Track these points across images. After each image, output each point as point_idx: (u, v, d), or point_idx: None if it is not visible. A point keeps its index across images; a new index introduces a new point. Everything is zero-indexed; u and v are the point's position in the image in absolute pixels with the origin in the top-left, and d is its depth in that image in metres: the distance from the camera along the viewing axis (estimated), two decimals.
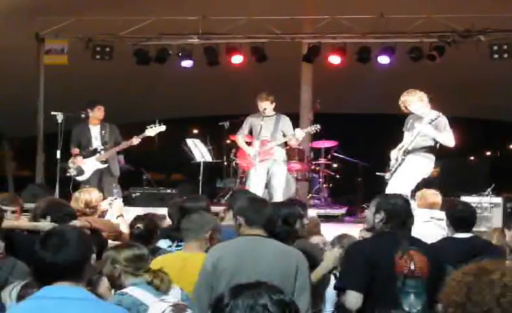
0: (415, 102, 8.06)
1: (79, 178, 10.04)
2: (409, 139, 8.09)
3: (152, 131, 9.98)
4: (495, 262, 2.41)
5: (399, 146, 8.24)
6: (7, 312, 3.45)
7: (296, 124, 9.98)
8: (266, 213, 4.36)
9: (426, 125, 7.90)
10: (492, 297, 2.25)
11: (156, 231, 5.85)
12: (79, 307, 2.92)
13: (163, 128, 10.00)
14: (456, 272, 2.41)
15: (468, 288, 2.30)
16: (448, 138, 7.98)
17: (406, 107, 8.14)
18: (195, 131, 19.88)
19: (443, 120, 7.93)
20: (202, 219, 4.85)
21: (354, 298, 4.10)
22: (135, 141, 10.01)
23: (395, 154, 8.26)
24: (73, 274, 3.01)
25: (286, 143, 9.78)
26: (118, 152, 10.64)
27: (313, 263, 4.62)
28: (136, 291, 3.82)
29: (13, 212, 5.78)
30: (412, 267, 4.07)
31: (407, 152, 8.06)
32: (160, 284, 3.91)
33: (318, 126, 9.79)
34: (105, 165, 10.06)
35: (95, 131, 10.21)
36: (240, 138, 9.89)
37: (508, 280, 2.28)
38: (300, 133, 9.61)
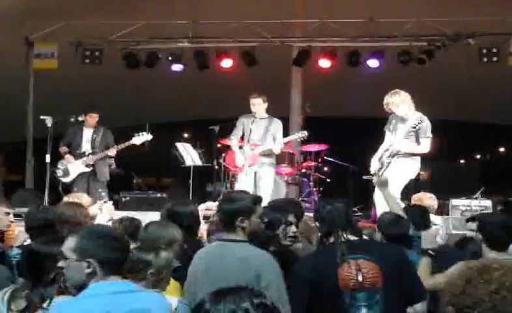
0: (398, 104, 8.04)
1: (64, 179, 10.04)
2: (392, 143, 8.09)
3: (138, 139, 9.98)
4: (501, 262, 2.45)
5: (382, 148, 8.22)
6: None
7: (286, 128, 9.97)
8: (228, 213, 4.18)
9: (402, 141, 7.91)
10: (485, 291, 2.28)
11: (136, 235, 5.67)
12: (144, 298, 3.19)
13: (149, 137, 10.03)
14: (463, 265, 2.45)
15: (466, 281, 2.33)
16: (423, 147, 7.93)
17: (390, 109, 8.13)
18: (185, 135, 19.83)
19: (425, 125, 7.88)
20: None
21: None
22: (113, 151, 10.09)
23: (375, 161, 8.21)
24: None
25: None
26: (110, 156, 10.62)
27: None
28: None
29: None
30: (360, 279, 3.71)
31: (392, 156, 8.05)
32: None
33: (305, 133, 9.77)
34: (90, 169, 10.05)
35: (87, 134, 10.23)
36: (234, 140, 9.81)
37: (507, 279, 2.31)
38: (278, 147, 9.60)
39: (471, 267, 2.41)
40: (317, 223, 4.11)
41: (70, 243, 3.28)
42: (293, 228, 4.86)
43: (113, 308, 3.02)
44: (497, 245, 4.47)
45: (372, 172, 8.09)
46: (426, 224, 5.91)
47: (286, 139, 9.93)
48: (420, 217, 5.86)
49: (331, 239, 3.95)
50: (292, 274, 4.00)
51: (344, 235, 3.93)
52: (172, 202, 5.94)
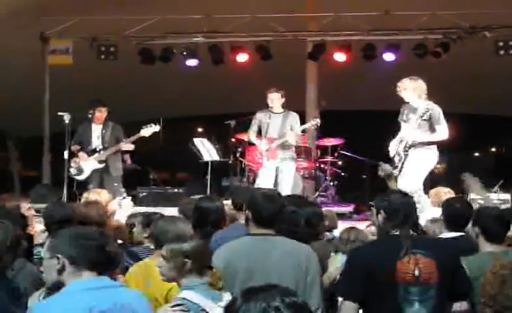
0: (407, 89, 7.99)
1: (78, 177, 10.07)
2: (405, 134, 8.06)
3: (147, 131, 9.98)
4: None
5: (397, 138, 8.19)
6: None
7: (302, 122, 9.95)
8: (273, 211, 4.16)
9: (414, 132, 7.88)
10: None
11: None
12: (125, 293, 3.27)
13: (157, 128, 10.03)
14: (496, 265, 2.41)
15: (502, 280, 2.31)
16: (440, 133, 7.88)
17: (399, 93, 8.08)
18: (201, 130, 19.88)
19: (436, 112, 7.83)
20: None
21: (349, 310, 3.82)
22: (124, 146, 10.12)
23: (394, 145, 8.19)
24: None
25: None
26: (124, 152, 10.64)
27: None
28: (194, 296, 3.56)
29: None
30: (417, 273, 3.72)
31: (408, 148, 8.00)
32: (219, 287, 3.69)
33: (318, 121, 9.77)
34: (103, 165, 10.07)
35: (97, 130, 10.21)
36: (251, 134, 9.82)
37: None
38: (292, 137, 9.57)
39: (504, 265, 2.38)
40: (381, 213, 4.00)
41: (45, 244, 3.31)
42: (326, 223, 5.08)
43: (98, 302, 3.01)
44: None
45: (391, 154, 8.09)
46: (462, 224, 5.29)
47: (300, 129, 9.88)
48: (457, 216, 5.33)
49: (397, 231, 3.92)
50: (351, 259, 4.02)
51: (411, 230, 3.94)
52: (190, 197, 5.97)
